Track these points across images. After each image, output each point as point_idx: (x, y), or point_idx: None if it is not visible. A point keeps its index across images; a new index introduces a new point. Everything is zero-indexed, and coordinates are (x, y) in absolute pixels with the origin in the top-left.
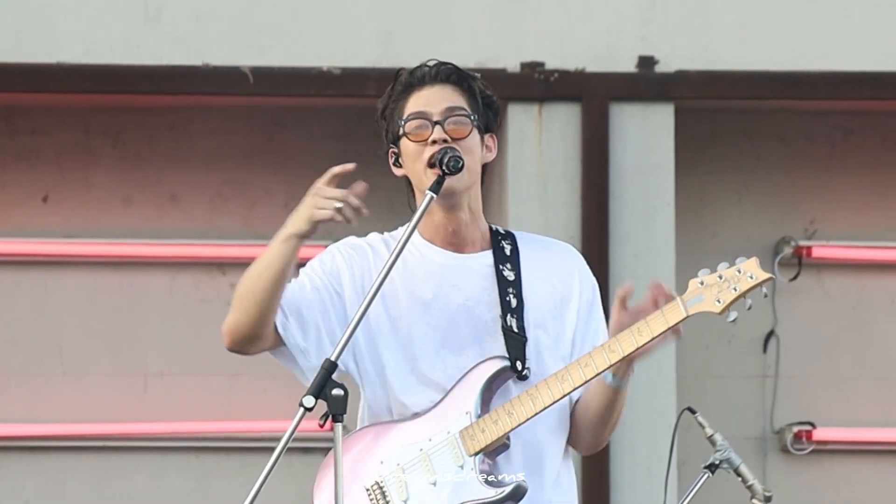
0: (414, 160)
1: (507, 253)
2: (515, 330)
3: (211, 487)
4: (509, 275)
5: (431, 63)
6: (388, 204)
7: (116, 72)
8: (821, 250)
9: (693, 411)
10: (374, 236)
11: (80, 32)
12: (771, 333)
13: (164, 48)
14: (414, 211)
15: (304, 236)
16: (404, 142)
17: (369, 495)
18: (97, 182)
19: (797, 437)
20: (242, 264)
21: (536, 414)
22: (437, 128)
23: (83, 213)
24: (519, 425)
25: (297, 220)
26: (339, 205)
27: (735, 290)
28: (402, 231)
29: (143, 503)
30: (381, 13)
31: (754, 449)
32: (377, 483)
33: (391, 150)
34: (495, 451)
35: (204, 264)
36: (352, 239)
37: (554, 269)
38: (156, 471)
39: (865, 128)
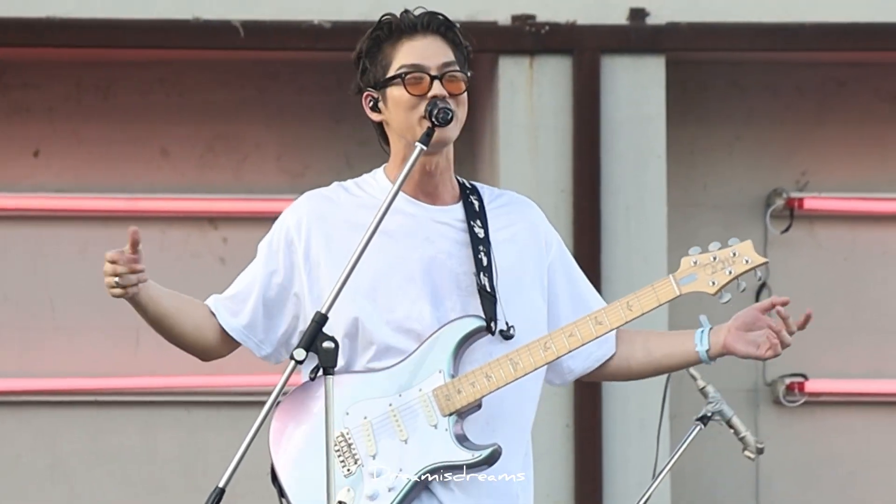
0: (407, 111)
1: (476, 209)
2: (488, 289)
3: (202, 442)
4: (479, 232)
5: (420, 12)
6: (378, 158)
7: (107, 26)
8: (813, 202)
9: None
10: (335, 187)
11: None
12: (763, 285)
13: (154, 2)
14: (388, 153)
15: (131, 299)
16: (397, 91)
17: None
18: (88, 136)
19: (789, 388)
20: (233, 218)
21: (516, 379)
22: (437, 83)
23: (74, 167)
24: (496, 389)
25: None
26: (115, 280)
27: (730, 272)
28: (369, 179)
29: (134, 457)
30: None
31: (746, 401)
32: (342, 434)
33: (368, 93)
34: (467, 412)
35: (195, 218)
36: (317, 192)
37: (517, 226)
38: (147, 425)
39: (858, 79)
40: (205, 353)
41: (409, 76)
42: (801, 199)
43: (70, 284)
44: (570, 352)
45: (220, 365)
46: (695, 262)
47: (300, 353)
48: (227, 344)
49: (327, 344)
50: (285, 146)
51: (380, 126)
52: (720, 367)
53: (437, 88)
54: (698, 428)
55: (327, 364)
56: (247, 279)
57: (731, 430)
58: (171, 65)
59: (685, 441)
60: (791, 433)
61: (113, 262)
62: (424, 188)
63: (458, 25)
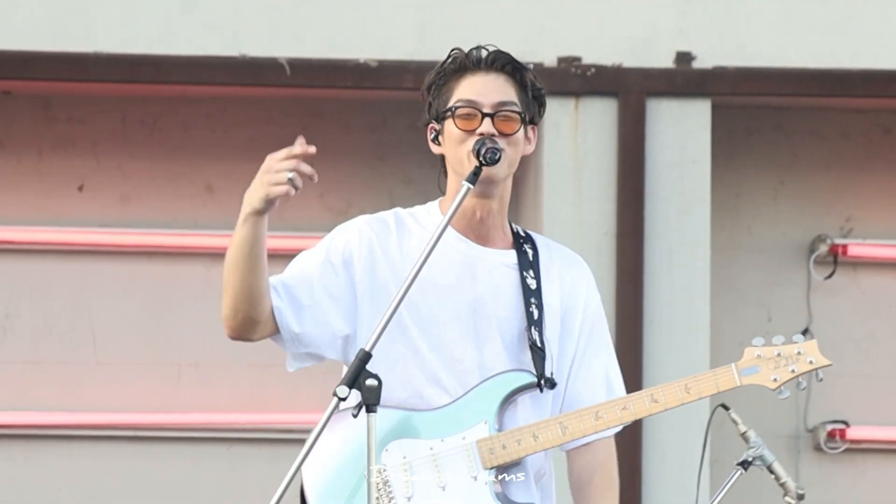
0: (457, 145)
1: (530, 258)
2: (539, 344)
3: (242, 478)
4: (532, 283)
5: (489, 48)
6: (423, 197)
7: (153, 61)
8: (856, 248)
9: (726, 408)
10: (398, 212)
11: (117, 21)
12: (805, 331)
13: (200, 38)
14: (444, 190)
15: (262, 213)
16: (450, 124)
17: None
18: (133, 171)
19: (830, 435)
20: (277, 256)
21: (562, 444)
22: (487, 120)
23: (118, 202)
24: (541, 450)
25: (253, 199)
26: (290, 175)
27: (793, 371)
28: (423, 212)
29: (174, 493)
30: (418, 5)
31: (787, 447)
32: (379, 471)
33: (431, 125)
34: (508, 467)
35: None
36: (374, 217)
37: (564, 281)
38: (188, 461)
39: None
40: (255, 322)
41: (459, 110)
42: (844, 246)
43: (113, 319)
44: (623, 424)
45: (261, 402)
46: (759, 355)
47: (343, 391)
48: (270, 325)
49: (370, 381)
50: (329, 184)
51: (442, 159)
52: (762, 413)
53: (485, 126)
54: (739, 472)
55: (370, 402)
56: (305, 270)
57: (772, 476)
58: (217, 101)
59: (725, 486)
60: (832, 480)
61: (288, 159)
62: (475, 229)
63: (528, 66)
